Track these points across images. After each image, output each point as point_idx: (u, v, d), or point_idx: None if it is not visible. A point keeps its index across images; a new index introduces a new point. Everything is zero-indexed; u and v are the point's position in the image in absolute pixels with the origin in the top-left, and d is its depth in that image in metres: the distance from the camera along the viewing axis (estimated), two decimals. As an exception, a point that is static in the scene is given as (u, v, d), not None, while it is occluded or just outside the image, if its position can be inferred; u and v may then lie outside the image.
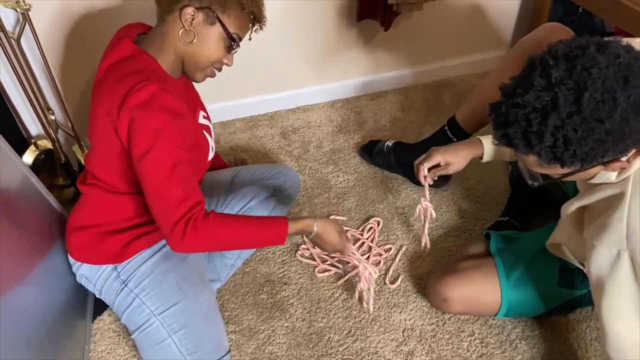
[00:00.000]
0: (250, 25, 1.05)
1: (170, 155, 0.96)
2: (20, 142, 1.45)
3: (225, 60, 1.06)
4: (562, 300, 1.17)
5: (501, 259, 1.19)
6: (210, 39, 1.01)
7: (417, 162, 1.25)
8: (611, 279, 0.85)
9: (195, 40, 1.00)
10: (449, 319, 1.26)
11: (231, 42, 1.02)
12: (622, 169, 0.80)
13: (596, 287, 0.89)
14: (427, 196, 1.29)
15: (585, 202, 0.90)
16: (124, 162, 1.02)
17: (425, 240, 1.37)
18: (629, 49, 0.73)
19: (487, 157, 1.22)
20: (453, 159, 1.22)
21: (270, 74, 1.81)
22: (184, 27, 0.98)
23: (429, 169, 1.24)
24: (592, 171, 0.82)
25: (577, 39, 0.75)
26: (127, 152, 0.98)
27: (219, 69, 1.10)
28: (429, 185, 1.27)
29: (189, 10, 0.97)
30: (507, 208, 1.47)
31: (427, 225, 1.34)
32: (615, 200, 0.82)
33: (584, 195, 0.90)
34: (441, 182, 1.57)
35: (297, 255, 1.41)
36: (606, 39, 0.74)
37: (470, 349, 1.20)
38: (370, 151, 1.67)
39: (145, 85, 0.92)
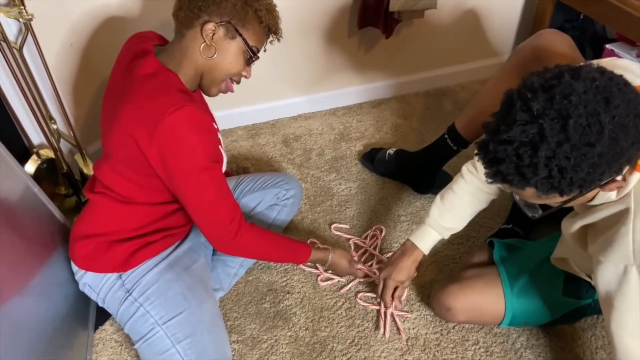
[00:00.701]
0: (266, 37, 1.08)
1: (213, 175, 1.02)
2: (22, 152, 1.45)
3: (244, 73, 1.09)
4: (567, 310, 1.16)
5: (505, 268, 1.18)
6: (231, 53, 1.03)
7: (380, 294, 1.26)
8: (620, 294, 0.84)
9: (216, 54, 1.02)
10: (453, 328, 1.25)
11: (251, 55, 1.04)
12: (619, 188, 0.80)
13: (605, 302, 0.88)
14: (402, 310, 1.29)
15: (589, 221, 0.89)
16: (150, 177, 1.03)
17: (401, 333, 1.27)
18: (602, 70, 0.73)
19: (428, 251, 1.23)
20: (402, 276, 1.23)
21: (272, 82, 1.81)
22: (205, 42, 1.00)
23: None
24: (590, 195, 0.81)
25: (549, 70, 0.75)
26: (151, 168, 0.99)
27: (238, 82, 1.12)
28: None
29: (210, 26, 0.98)
30: (510, 215, 1.46)
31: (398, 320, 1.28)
32: (620, 217, 0.82)
33: (586, 214, 0.89)
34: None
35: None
36: (579, 64, 0.74)
37: (474, 358, 1.19)
38: (372, 159, 1.66)
39: (175, 110, 0.93)
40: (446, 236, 1.23)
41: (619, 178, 0.77)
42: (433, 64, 1.97)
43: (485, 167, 0.78)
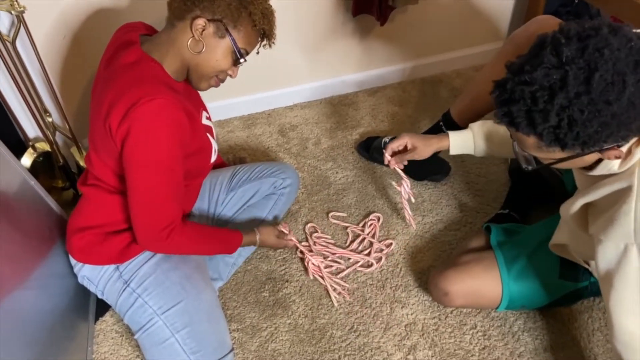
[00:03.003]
0: (259, 40, 1.06)
1: (169, 177, 1.00)
2: (18, 145, 1.45)
3: (229, 72, 1.07)
4: (563, 293, 1.17)
5: (502, 252, 1.19)
6: (218, 51, 1.01)
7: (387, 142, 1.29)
8: (619, 273, 0.84)
9: (203, 50, 1.00)
10: (451, 313, 1.26)
11: (238, 56, 1.03)
12: (618, 158, 0.79)
13: (604, 281, 0.88)
14: (405, 179, 1.34)
15: (591, 199, 0.88)
16: (120, 164, 1.02)
17: (410, 221, 1.40)
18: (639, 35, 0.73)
19: (453, 150, 1.27)
20: (420, 143, 1.27)
21: (267, 72, 1.81)
22: (193, 36, 0.99)
23: (397, 153, 1.31)
24: (588, 158, 0.81)
25: (590, 21, 0.74)
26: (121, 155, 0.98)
27: (223, 80, 1.10)
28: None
29: (201, 22, 0.97)
30: (506, 200, 1.47)
31: (407, 207, 1.37)
32: (622, 195, 0.81)
33: (587, 191, 0.89)
34: (440, 175, 1.57)
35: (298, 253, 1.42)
36: (619, 24, 0.73)
37: (472, 342, 1.20)
38: (368, 148, 1.66)
39: (150, 99, 0.92)
40: (477, 151, 1.25)
41: (624, 149, 0.77)
42: (428, 50, 1.96)
43: (496, 106, 0.78)
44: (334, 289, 1.32)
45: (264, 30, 1.04)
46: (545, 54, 0.72)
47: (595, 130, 0.71)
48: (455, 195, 1.54)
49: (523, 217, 1.41)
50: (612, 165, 0.82)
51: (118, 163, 1.02)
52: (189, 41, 0.99)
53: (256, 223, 1.38)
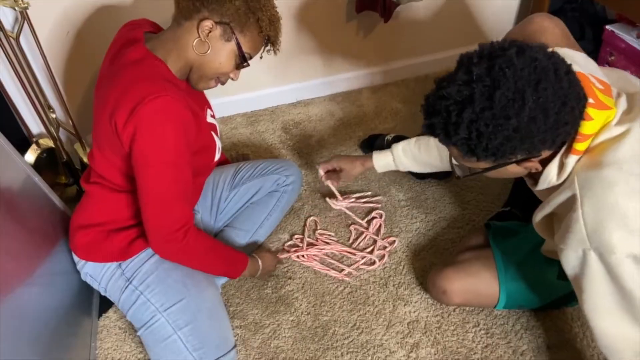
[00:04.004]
0: (264, 45, 1.07)
1: (177, 173, 0.99)
2: (21, 141, 1.46)
3: (231, 75, 1.08)
4: (562, 293, 1.16)
5: (500, 251, 1.18)
6: (223, 54, 1.02)
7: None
8: (584, 277, 0.85)
9: (208, 52, 1.01)
10: (454, 311, 1.26)
11: (242, 61, 1.04)
12: (537, 170, 0.85)
13: (575, 286, 0.90)
14: (338, 197, 1.48)
15: (547, 211, 0.92)
16: (128, 163, 1.02)
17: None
18: (551, 55, 0.78)
19: (379, 169, 1.39)
20: (347, 166, 1.40)
21: (271, 69, 1.80)
22: (199, 37, 0.99)
23: (328, 172, 1.43)
24: (511, 169, 0.85)
25: (505, 42, 0.79)
26: (129, 155, 0.99)
27: (223, 82, 1.10)
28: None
29: (208, 23, 0.98)
30: (509, 198, 1.46)
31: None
32: (570, 203, 0.83)
33: (543, 205, 0.93)
34: (443, 173, 1.57)
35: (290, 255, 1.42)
36: (529, 44, 0.79)
37: (475, 340, 1.20)
38: (371, 146, 1.66)
39: (155, 97, 0.92)
40: (401, 169, 1.36)
41: (556, 161, 0.83)
42: (432, 47, 1.95)
43: (424, 118, 0.84)
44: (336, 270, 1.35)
45: (269, 37, 1.05)
46: (460, 71, 0.78)
47: (500, 142, 0.76)
48: (458, 193, 1.54)
49: (525, 214, 1.40)
50: (550, 178, 0.86)
51: (124, 161, 1.02)
52: (195, 42, 1.00)
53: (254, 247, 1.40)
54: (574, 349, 1.18)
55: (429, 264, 1.36)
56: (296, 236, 1.45)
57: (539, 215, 0.95)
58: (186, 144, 0.99)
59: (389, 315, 1.26)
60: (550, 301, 1.18)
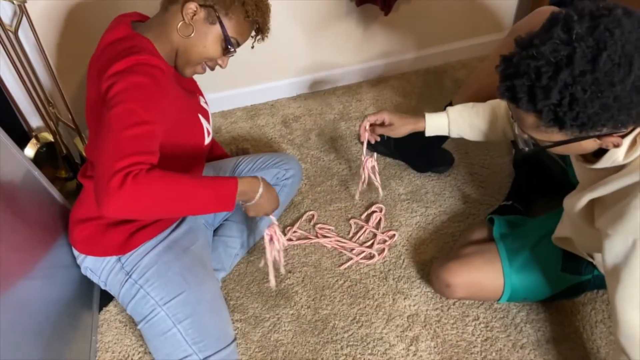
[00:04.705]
0: (254, 33, 1.07)
1: (137, 112, 0.89)
2: (21, 136, 1.46)
3: (219, 62, 1.07)
4: (566, 285, 1.16)
5: (504, 245, 1.18)
6: (208, 38, 1.01)
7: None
8: (627, 267, 0.83)
9: (192, 35, 1.00)
10: (454, 304, 1.26)
11: (228, 45, 1.03)
12: (617, 146, 0.78)
13: (611, 275, 0.87)
14: (365, 152, 1.35)
15: (599, 194, 0.87)
16: None
17: (358, 191, 1.43)
18: None
19: (429, 132, 1.27)
20: (397, 121, 1.28)
21: (270, 62, 1.80)
22: (184, 20, 0.99)
23: (374, 126, 1.32)
24: (585, 145, 0.80)
25: (605, 1, 0.73)
26: None
27: (212, 68, 1.10)
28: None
29: (192, 6, 0.98)
30: (510, 192, 1.46)
31: (368, 176, 1.38)
32: (631, 190, 0.80)
33: (595, 187, 0.87)
34: (444, 167, 1.57)
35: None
36: (633, 9, 0.72)
37: (475, 333, 1.21)
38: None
39: (135, 52, 0.92)
40: (452, 134, 1.26)
41: (627, 141, 0.76)
42: (433, 40, 1.95)
43: (500, 80, 0.77)
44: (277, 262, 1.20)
45: (257, 23, 1.04)
46: (556, 29, 0.71)
47: (595, 111, 0.70)
48: (459, 187, 1.54)
49: (527, 208, 1.40)
50: (616, 156, 0.81)
51: None
52: (179, 24, 1.00)
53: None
54: (574, 342, 1.18)
55: (429, 257, 1.36)
56: (287, 227, 1.45)
57: (586, 197, 0.89)
58: (154, 96, 0.93)
59: (389, 309, 1.27)
60: (554, 294, 1.18)
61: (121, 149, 0.85)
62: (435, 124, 1.26)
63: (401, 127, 1.28)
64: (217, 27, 1.01)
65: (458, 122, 1.24)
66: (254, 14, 1.02)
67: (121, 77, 0.91)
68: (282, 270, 1.22)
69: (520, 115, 0.79)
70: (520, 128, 0.83)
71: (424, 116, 1.26)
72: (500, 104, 1.20)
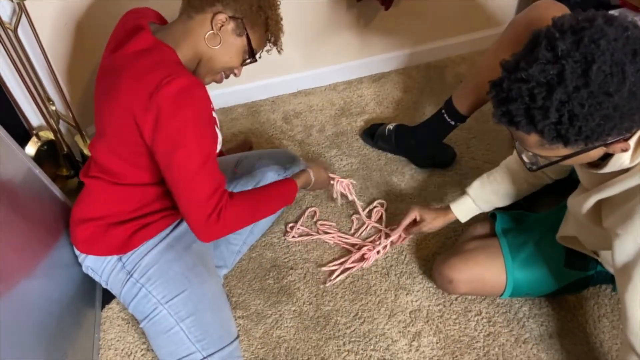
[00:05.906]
0: (266, 44, 1.10)
1: (202, 150, 0.98)
2: (22, 134, 1.45)
3: (236, 71, 1.09)
4: (569, 281, 1.16)
5: (506, 240, 1.18)
6: (233, 49, 1.03)
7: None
8: (637, 266, 0.82)
9: (219, 46, 1.01)
10: (456, 299, 1.26)
11: (248, 56, 1.05)
12: (625, 151, 0.77)
13: (621, 274, 0.87)
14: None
15: (606, 195, 0.86)
16: (140, 156, 1.02)
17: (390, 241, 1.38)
18: (635, 24, 0.71)
19: (463, 219, 1.28)
20: (429, 216, 1.28)
21: (271, 58, 1.77)
22: (212, 30, 1.00)
23: (409, 227, 1.32)
24: (593, 154, 0.79)
25: (582, 13, 0.72)
26: (147, 146, 0.99)
27: (227, 77, 1.12)
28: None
29: (222, 17, 0.99)
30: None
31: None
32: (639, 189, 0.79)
33: (601, 188, 0.87)
34: (446, 161, 1.56)
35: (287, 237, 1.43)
36: (611, 12, 0.72)
37: (477, 328, 1.20)
38: (372, 135, 1.65)
39: (172, 79, 0.92)
40: (484, 209, 1.26)
41: (632, 142, 0.76)
42: (433, 35, 1.94)
43: (494, 107, 0.76)
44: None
45: (274, 36, 1.07)
46: (540, 49, 0.70)
47: (598, 123, 0.69)
48: (461, 182, 1.53)
49: (530, 204, 1.40)
50: (622, 160, 0.80)
51: (136, 154, 1.02)
52: (207, 35, 1.00)
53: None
54: (577, 337, 1.18)
55: (431, 253, 1.36)
56: (290, 224, 1.45)
57: (593, 199, 0.89)
58: (207, 123, 0.99)
59: (391, 305, 1.27)
60: (556, 289, 1.18)
61: (203, 190, 0.99)
62: (463, 210, 1.27)
63: (434, 221, 1.28)
64: (244, 39, 1.03)
65: (481, 197, 1.24)
66: (274, 28, 1.05)
67: (174, 113, 0.93)
68: (350, 198, 1.41)
69: (521, 136, 0.78)
70: (524, 148, 0.82)
71: (449, 207, 1.27)
72: (511, 159, 1.21)
